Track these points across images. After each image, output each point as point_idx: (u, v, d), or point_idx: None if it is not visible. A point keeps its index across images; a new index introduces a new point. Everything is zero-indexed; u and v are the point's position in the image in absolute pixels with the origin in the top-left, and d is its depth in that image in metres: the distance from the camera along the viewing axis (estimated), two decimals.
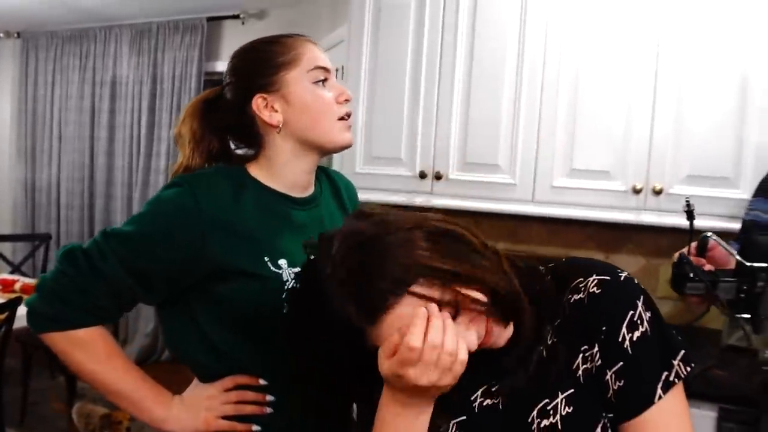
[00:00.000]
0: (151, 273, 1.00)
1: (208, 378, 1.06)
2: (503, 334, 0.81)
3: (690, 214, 1.06)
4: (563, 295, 0.85)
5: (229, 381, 1.03)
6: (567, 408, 0.80)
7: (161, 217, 1.01)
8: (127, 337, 4.29)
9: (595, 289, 0.83)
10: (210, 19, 3.90)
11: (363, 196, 2.28)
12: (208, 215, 0.99)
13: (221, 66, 3.88)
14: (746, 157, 1.87)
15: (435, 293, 0.75)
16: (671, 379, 0.77)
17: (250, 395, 1.03)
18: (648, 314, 0.81)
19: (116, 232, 1.00)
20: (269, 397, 1.03)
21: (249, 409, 1.02)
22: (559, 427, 0.79)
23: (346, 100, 1.10)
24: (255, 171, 1.09)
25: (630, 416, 0.78)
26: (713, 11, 1.88)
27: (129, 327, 4.28)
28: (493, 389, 0.85)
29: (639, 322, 0.80)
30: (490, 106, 2.08)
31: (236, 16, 3.81)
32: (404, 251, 0.76)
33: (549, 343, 0.83)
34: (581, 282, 0.84)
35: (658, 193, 1.92)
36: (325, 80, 1.08)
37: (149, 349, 4.18)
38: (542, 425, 0.80)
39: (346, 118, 1.10)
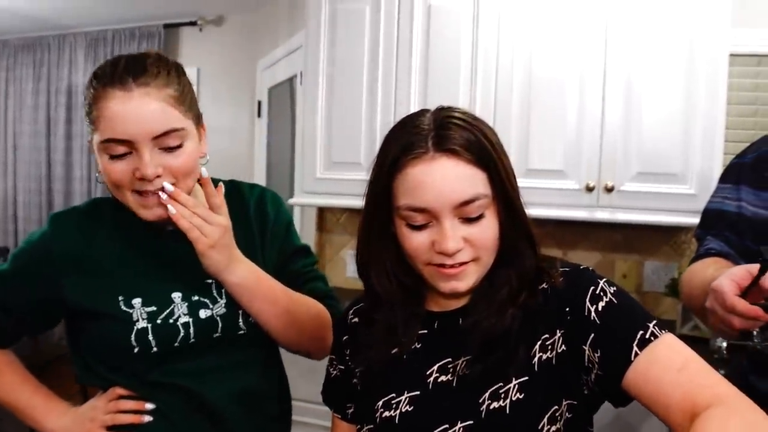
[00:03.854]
0: (25, 311, 1.03)
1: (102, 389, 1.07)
2: (489, 253, 0.84)
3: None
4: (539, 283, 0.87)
5: (111, 392, 1.03)
6: (518, 394, 0.81)
7: (24, 256, 1.04)
8: None
9: (558, 279, 0.86)
10: (167, 26, 3.86)
11: (324, 201, 2.32)
12: (60, 255, 1.00)
13: None
14: (693, 154, 1.94)
15: None
16: (647, 337, 0.76)
17: (129, 404, 1.02)
18: (612, 288, 0.83)
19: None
20: (149, 405, 1.02)
21: (126, 419, 1.02)
22: (507, 411, 0.81)
23: (142, 178, 0.93)
24: None
25: (621, 373, 0.76)
26: (659, 10, 1.94)
27: None
28: (449, 366, 0.86)
29: (602, 294, 0.82)
30: None
31: (193, 23, 3.77)
32: None
33: (510, 327, 0.83)
34: (547, 275, 0.87)
35: (609, 190, 1.97)
36: (126, 154, 0.93)
37: None
38: (491, 407, 0.82)
39: (145, 195, 0.95)
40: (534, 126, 2.03)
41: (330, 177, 2.24)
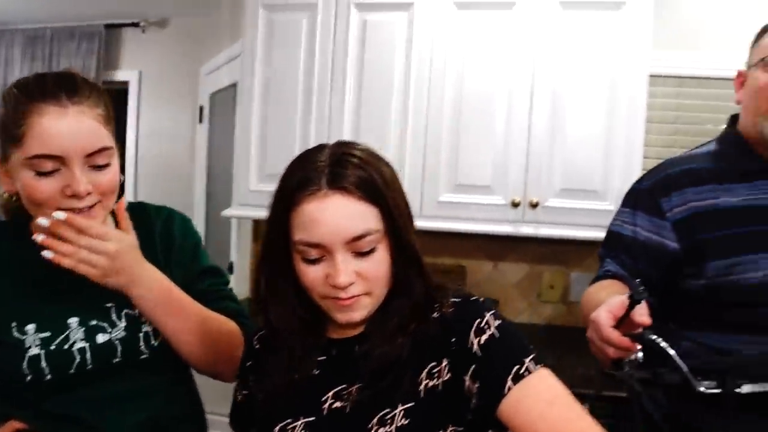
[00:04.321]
0: None
1: None
2: (381, 285, 0.88)
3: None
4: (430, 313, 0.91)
5: (8, 425, 1.00)
6: (403, 420, 0.84)
7: None
8: None
9: (448, 309, 0.90)
10: (108, 27, 3.77)
11: (258, 213, 2.31)
12: None
13: (121, 75, 3.78)
14: (613, 171, 2.02)
15: None
16: (522, 372, 0.82)
17: None
18: (497, 322, 0.87)
19: None
20: None
21: None
22: None
23: (72, 195, 0.93)
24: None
25: (495, 404, 0.82)
26: (584, 33, 2.02)
27: None
28: (344, 393, 0.89)
29: (486, 327, 0.86)
30: (379, 124, 2.14)
31: (136, 24, 3.70)
32: None
33: (400, 355, 0.87)
34: (439, 304, 0.91)
35: (534, 206, 2.04)
36: (54, 170, 0.92)
37: None
38: None
39: (76, 211, 0.95)
40: (463, 142, 2.09)
41: (264, 189, 2.23)
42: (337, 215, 0.83)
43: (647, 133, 2.32)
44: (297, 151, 2.37)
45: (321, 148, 0.90)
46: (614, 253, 1.30)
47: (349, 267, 0.84)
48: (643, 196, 1.29)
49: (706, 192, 1.22)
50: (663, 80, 2.33)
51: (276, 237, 0.88)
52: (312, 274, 0.86)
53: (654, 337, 0.88)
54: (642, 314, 0.94)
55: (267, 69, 2.24)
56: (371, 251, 0.85)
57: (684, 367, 0.83)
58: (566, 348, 2.19)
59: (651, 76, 2.25)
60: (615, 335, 0.94)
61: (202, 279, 1.15)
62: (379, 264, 0.86)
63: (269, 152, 2.24)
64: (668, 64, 2.29)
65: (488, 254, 2.42)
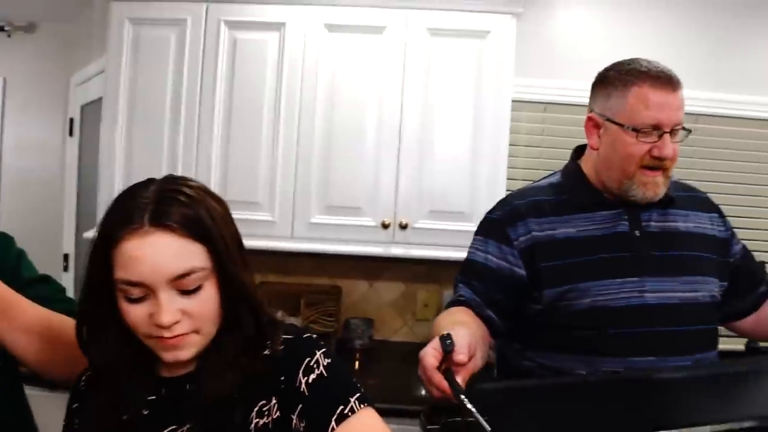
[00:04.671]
0: None
1: None
2: (209, 323, 0.86)
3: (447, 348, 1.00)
4: (260, 350, 0.90)
5: None
6: None
7: None
8: None
9: (278, 346, 0.90)
10: None
11: None
12: None
13: None
14: (479, 193, 2.10)
15: None
16: (345, 412, 0.83)
17: None
18: (327, 361, 0.88)
19: None
20: None
21: None
22: None
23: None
24: None
25: None
26: (450, 61, 2.09)
27: None
28: None
29: (315, 366, 0.87)
30: (249, 145, 2.11)
31: (1, 28, 3.45)
32: None
33: (230, 392, 0.86)
34: (269, 340, 0.90)
35: (404, 227, 2.08)
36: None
37: None
38: None
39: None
40: (334, 164, 2.10)
41: None
42: (158, 253, 0.81)
43: (515, 157, 2.44)
44: (164, 172, 2.29)
45: (148, 183, 0.88)
46: (467, 279, 1.34)
47: (174, 305, 0.82)
48: (494, 225, 1.36)
49: (546, 223, 1.30)
50: (529, 106, 2.46)
51: (97, 275, 0.85)
52: (135, 314, 0.83)
53: (462, 397, 0.91)
54: (459, 354, 0.97)
55: (133, 85, 2.16)
56: (197, 289, 0.83)
57: (487, 427, 0.87)
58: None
59: (517, 101, 2.37)
60: (437, 379, 0.97)
61: (32, 286, 1.10)
62: (206, 302, 0.85)
63: (134, 172, 2.14)
64: (533, 91, 2.42)
65: (363, 274, 2.44)
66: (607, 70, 1.33)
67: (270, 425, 0.85)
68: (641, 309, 1.24)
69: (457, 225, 2.09)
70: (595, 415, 1.02)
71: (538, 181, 1.46)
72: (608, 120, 1.28)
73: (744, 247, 1.42)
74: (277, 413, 0.86)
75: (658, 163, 1.24)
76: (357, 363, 2.24)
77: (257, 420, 0.86)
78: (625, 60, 1.31)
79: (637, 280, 1.25)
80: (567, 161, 1.45)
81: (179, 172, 2.12)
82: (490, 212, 1.42)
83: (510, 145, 2.17)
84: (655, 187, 1.26)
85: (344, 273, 2.44)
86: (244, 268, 0.90)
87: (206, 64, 2.12)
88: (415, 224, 2.09)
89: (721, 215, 1.40)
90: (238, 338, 0.89)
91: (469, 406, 0.89)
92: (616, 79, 1.28)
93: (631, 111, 1.24)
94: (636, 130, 1.23)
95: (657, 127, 1.22)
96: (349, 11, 2.10)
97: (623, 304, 1.24)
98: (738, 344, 2.42)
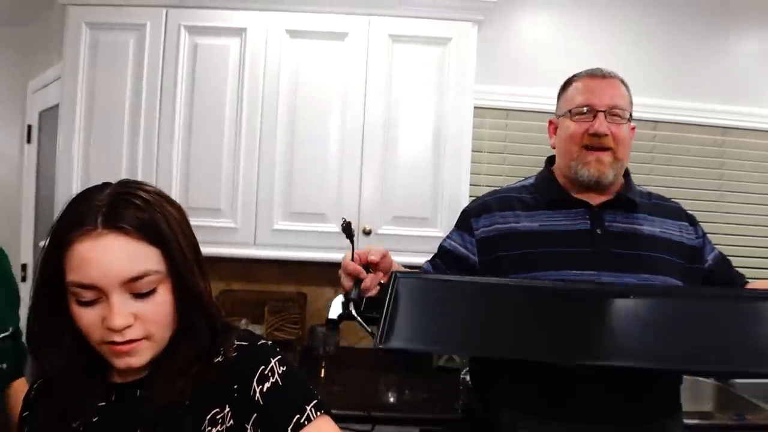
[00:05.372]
0: None
1: None
2: (162, 328, 0.85)
3: (348, 231, 1.23)
4: (213, 356, 0.89)
5: None
6: None
7: None
8: None
9: (232, 353, 0.88)
10: None
11: None
12: None
13: None
14: (442, 199, 2.11)
15: None
16: (302, 421, 0.82)
17: None
18: (282, 368, 0.87)
19: None
20: None
21: None
22: None
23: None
24: None
25: None
26: (413, 66, 2.11)
27: None
28: None
29: (270, 374, 0.85)
30: (211, 151, 2.09)
31: None
32: None
33: (181, 399, 0.84)
34: (222, 346, 0.89)
35: (368, 233, 2.08)
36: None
37: None
38: None
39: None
40: (297, 169, 2.08)
41: None
42: (111, 255, 0.80)
43: (478, 163, 2.46)
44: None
45: (103, 187, 0.86)
46: (433, 258, 1.49)
47: (126, 309, 0.81)
48: (462, 216, 1.50)
49: (511, 217, 1.41)
50: (491, 112, 2.48)
51: (49, 279, 0.83)
52: (87, 318, 0.81)
53: (351, 309, 1.17)
54: (372, 255, 1.22)
55: (91, 91, 2.12)
56: (151, 293, 0.83)
57: (367, 329, 1.15)
58: (405, 371, 2.25)
59: (479, 108, 2.40)
60: (351, 266, 1.19)
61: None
62: (159, 306, 0.84)
63: (93, 179, 2.02)
64: (495, 98, 2.45)
65: (329, 281, 2.43)
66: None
67: None
68: None
69: (420, 231, 2.10)
70: (505, 325, 1.17)
71: (516, 182, 1.56)
72: (558, 117, 1.45)
73: (721, 254, 1.46)
74: (231, 421, 0.84)
75: (596, 142, 1.35)
76: (323, 370, 2.22)
77: (209, 428, 0.84)
78: None
79: (594, 273, 1.30)
80: (530, 167, 1.56)
81: (139, 179, 2.09)
82: (467, 205, 1.54)
83: (473, 151, 2.20)
84: (599, 165, 1.35)
85: (310, 280, 2.42)
86: (200, 275, 0.89)
87: (166, 69, 2.10)
88: (379, 230, 2.09)
89: (693, 224, 1.45)
90: (191, 345, 0.87)
91: (354, 313, 1.16)
92: (565, 85, 1.46)
93: (569, 100, 1.41)
94: (572, 113, 1.38)
95: (591, 109, 1.36)
96: (311, 17, 2.09)
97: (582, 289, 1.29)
98: None
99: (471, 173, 2.22)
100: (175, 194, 2.07)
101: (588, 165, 1.35)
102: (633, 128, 1.43)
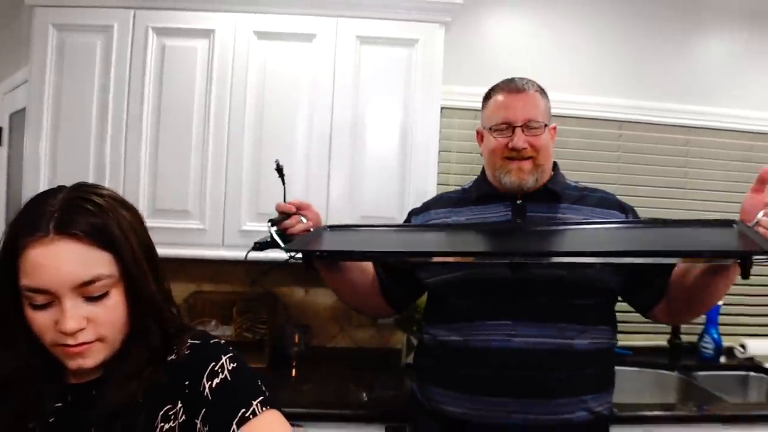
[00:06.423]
0: None
1: None
2: (115, 330, 0.87)
3: (281, 173, 1.51)
4: (167, 356, 0.91)
5: None
6: None
7: None
8: None
9: (184, 352, 0.91)
10: None
11: None
12: None
13: None
14: (409, 199, 2.11)
15: None
16: (247, 415, 0.84)
17: None
18: (232, 365, 0.89)
19: None
20: None
21: None
22: None
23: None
24: None
25: None
26: (380, 66, 2.13)
27: None
28: None
29: (219, 371, 0.88)
30: (179, 153, 2.09)
31: None
32: None
33: (134, 399, 0.86)
34: (175, 346, 0.91)
35: None
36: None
37: None
38: None
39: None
40: (264, 171, 2.08)
41: None
42: (62, 261, 0.81)
43: (447, 163, 2.50)
44: (91, 182, 2.27)
45: (57, 191, 0.89)
46: None
47: (78, 312, 0.83)
48: (408, 216, 1.72)
49: (444, 212, 1.60)
50: (460, 113, 2.51)
51: (2, 282, 0.84)
52: (40, 321, 0.83)
53: (273, 231, 1.42)
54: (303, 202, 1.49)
55: (58, 93, 2.11)
56: (103, 296, 0.84)
57: (281, 245, 1.41)
58: (376, 368, 2.27)
59: (448, 109, 2.43)
60: (282, 204, 1.47)
61: None
62: (112, 309, 0.86)
63: (60, 182, 1.97)
64: (463, 98, 2.47)
65: (299, 281, 2.44)
66: None
67: (176, 429, 0.86)
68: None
69: None
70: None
71: (465, 185, 1.70)
72: (484, 128, 1.57)
73: None
74: (183, 417, 0.87)
75: (516, 154, 1.48)
76: (293, 370, 2.23)
77: (162, 424, 0.86)
78: None
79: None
80: None
81: (106, 182, 2.09)
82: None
83: (442, 151, 2.22)
84: (519, 173, 1.49)
85: (279, 280, 2.43)
86: (154, 278, 0.91)
87: (134, 71, 2.10)
88: None
89: (624, 212, 1.53)
90: (143, 348, 0.90)
91: (275, 236, 1.41)
92: (485, 97, 1.59)
93: (489, 116, 1.54)
94: (492, 129, 1.51)
95: (509, 126, 1.48)
96: (279, 19, 2.11)
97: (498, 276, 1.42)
98: (661, 340, 2.52)
99: (440, 173, 2.25)
100: (143, 196, 2.07)
101: (510, 173, 1.49)
102: (554, 127, 1.56)
